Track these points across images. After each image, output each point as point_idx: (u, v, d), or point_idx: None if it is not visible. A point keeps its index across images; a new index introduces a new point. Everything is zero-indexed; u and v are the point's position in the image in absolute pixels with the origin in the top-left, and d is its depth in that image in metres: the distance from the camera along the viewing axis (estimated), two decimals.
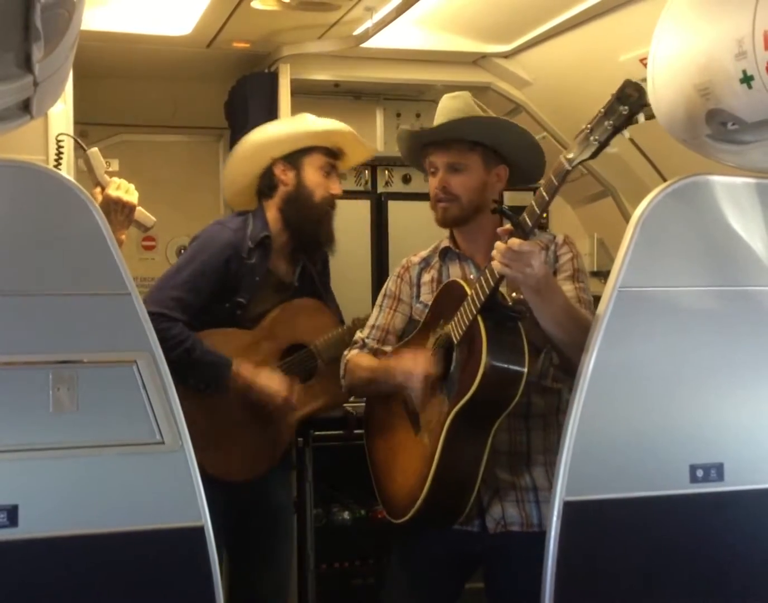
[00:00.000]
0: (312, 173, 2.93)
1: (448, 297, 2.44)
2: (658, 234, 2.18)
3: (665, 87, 2.25)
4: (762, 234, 2.26)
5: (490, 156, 2.53)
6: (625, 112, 2.05)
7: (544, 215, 4.20)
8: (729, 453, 2.20)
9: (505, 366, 2.26)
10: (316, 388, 2.94)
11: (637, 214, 2.17)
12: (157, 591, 1.99)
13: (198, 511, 1.98)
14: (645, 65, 2.38)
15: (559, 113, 3.76)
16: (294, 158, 2.93)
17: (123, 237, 2.75)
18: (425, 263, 2.63)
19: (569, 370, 2.42)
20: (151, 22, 3.31)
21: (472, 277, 2.53)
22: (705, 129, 2.18)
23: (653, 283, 2.18)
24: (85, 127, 3.13)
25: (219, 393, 2.76)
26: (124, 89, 3.55)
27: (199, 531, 1.98)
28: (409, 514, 2.38)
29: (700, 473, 2.17)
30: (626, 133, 2.08)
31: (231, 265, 2.83)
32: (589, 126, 2.10)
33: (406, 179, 4.03)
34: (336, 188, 2.96)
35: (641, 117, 2.07)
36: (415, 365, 2.42)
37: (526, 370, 2.26)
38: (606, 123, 2.07)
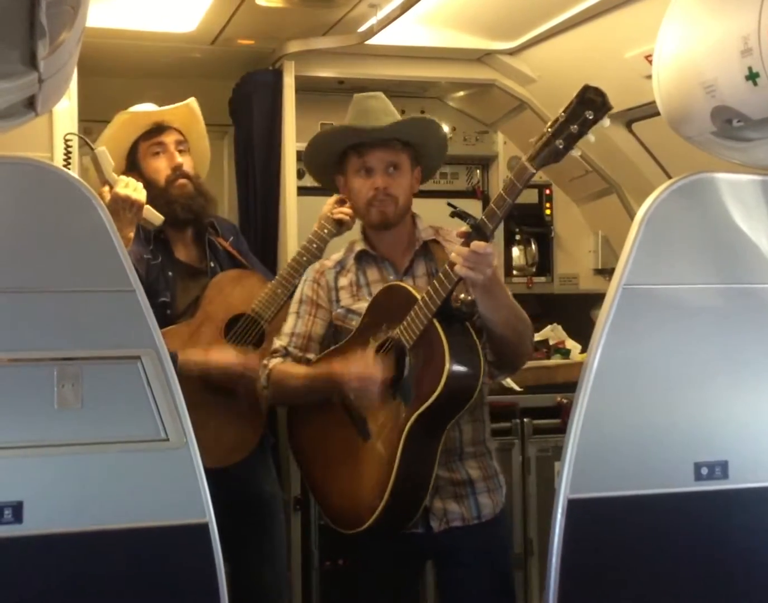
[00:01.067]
0: (146, 164, 2.93)
1: (390, 301, 2.43)
2: (663, 231, 2.18)
3: (670, 84, 2.24)
4: (767, 231, 2.26)
5: (412, 157, 2.55)
6: (590, 117, 2.07)
7: (548, 211, 4.26)
8: (734, 451, 2.19)
9: (465, 369, 2.29)
10: (270, 351, 2.92)
11: (641, 211, 2.17)
12: (162, 588, 1.99)
13: (202, 508, 1.98)
14: (650, 62, 2.38)
15: None
16: (130, 163, 2.94)
17: (131, 235, 2.75)
18: (340, 267, 2.61)
19: (502, 366, 2.48)
20: (155, 19, 3.31)
21: (391, 278, 2.53)
22: (710, 126, 2.17)
23: (658, 280, 2.18)
24: (90, 125, 3.13)
25: None
26: (129, 86, 3.54)
27: (204, 528, 1.98)
28: (366, 524, 2.36)
29: (704, 471, 2.17)
30: (591, 137, 2.10)
31: (139, 271, 2.82)
32: (550, 130, 2.11)
33: None
34: (172, 161, 2.92)
35: (606, 121, 2.10)
36: (369, 369, 2.37)
37: (482, 371, 2.30)
38: (571, 127, 2.08)
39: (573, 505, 2.09)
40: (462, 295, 2.33)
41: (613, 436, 2.14)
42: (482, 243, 2.18)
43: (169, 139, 2.96)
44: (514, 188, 2.17)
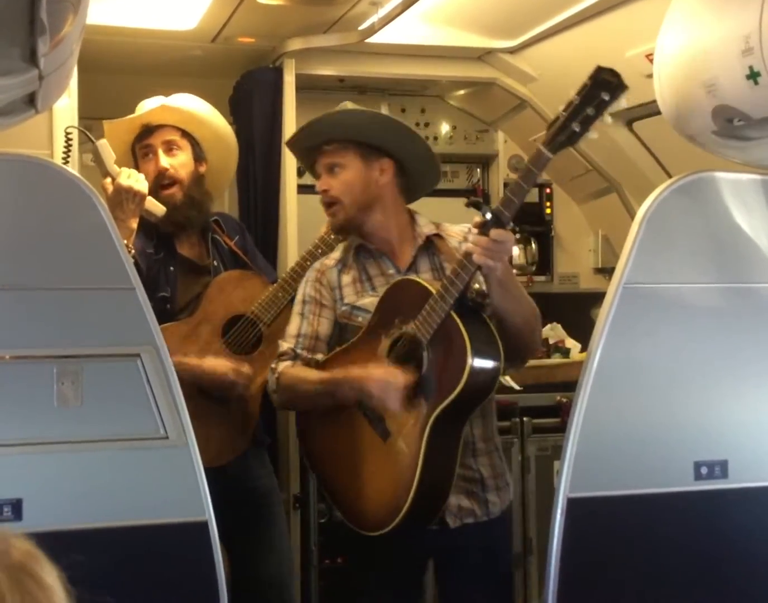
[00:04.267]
0: (141, 167, 2.92)
1: (402, 296, 2.39)
2: (664, 230, 2.18)
3: (671, 83, 2.24)
4: (767, 230, 2.26)
5: (367, 151, 2.51)
6: (606, 98, 2.06)
7: (548, 210, 4.25)
8: (733, 450, 2.20)
9: (486, 359, 2.25)
10: (267, 354, 2.87)
11: (642, 210, 2.17)
12: (161, 585, 1.99)
13: (202, 506, 1.98)
14: (651, 61, 2.38)
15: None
16: (135, 166, 2.93)
17: (135, 225, 2.75)
18: (341, 265, 2.57)
19: (512, 358, 2.42)
20: (155, 16, 3.30)
21: (391, 272, 2.51)
22: (711, 125, 2.17)
23: (658, 279, 2.18)
24: (90, 122, 3.12)
25: None
26: (129, 84, 3.54)
27: (203, 526, 1.98)
28: (391, 525, 2.32)
29: (704, 470, 2.17)
30: (608, 118, 2.09)
31: (140, 266, 2.81)
32: (564, 113, 2.10)
33: None
34: (159, 163, 2.90)
35: (623, 102, 2.08)
36: (391, 376, 2.32)
37: (502, 361, 2.27)
38: (587, 110, 2.07)
39: (572, 504, 2.09)
40: (476, 286, 2.31)
41: (612, 436, 2.14)
42: (501, 231, 2.17)
43: (157, 140, 2.92)
44: (530, 174, 2.16)
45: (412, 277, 2.45)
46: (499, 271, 2.22)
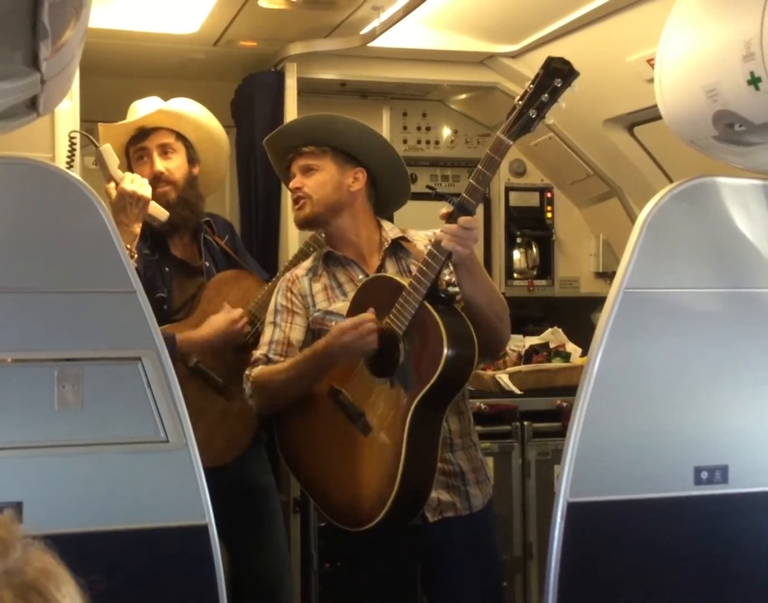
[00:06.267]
0: (135, 169, 2.92)
1: (375, 292, 2.44)
2: (664, 235, 2.18)
3: (672, 88, 2.24)
4: None
5: (342, 158, 2.59)
6: (559, 85, 2.19)
7: (549, 214, 4.26)
8: (734, 455, 2.20)
9: (462, 343, 2.31)
10: None
11: (643, 215, 2.17)
12: (161, 589, 1.99)
13: (202, 509, 1.98)
14: (652, 66, 2.38)
15: (565, 114, 3.75)
16: (129, 168, 2.95)
17: (138, 230, 2.75)
18: (312, 273, 2.62)
19: (484, 352, 2.48)
20: (157, 20, 3.31)
21: (361, 277, 2.55)
22: (712, 130, 2.17)
23: (659, 284, 2.18)
24: (91, 125, 3.13)
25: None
26: (131, 87, 3.54)
27: (203, 529, 1.98)
28: (378, 517, 2.33)
29: (704, 475, 2.17)
30: (563, 104, 2.21)
31: (137, 267, 2.83)
32: (520, 103, 2.21)
33: (412, 179, 4.00)
34: (155, 166, 2.93)
35: (575, 87, 2.20)
36: (356, 318, 2.36)
37: (476, 347, 2.32)
38: (542, 97, 2.19)
39: (572, 508, 2.09)
40: (446, 278, 2.39)
41: (613, 440, 2.14)
42: (468, 217, 2.26)
43: (152, 143, 2.94)
44: (492, 162, 2.27)
45: (384, 273, 2.51)
46: (467, 258, 2.29)
